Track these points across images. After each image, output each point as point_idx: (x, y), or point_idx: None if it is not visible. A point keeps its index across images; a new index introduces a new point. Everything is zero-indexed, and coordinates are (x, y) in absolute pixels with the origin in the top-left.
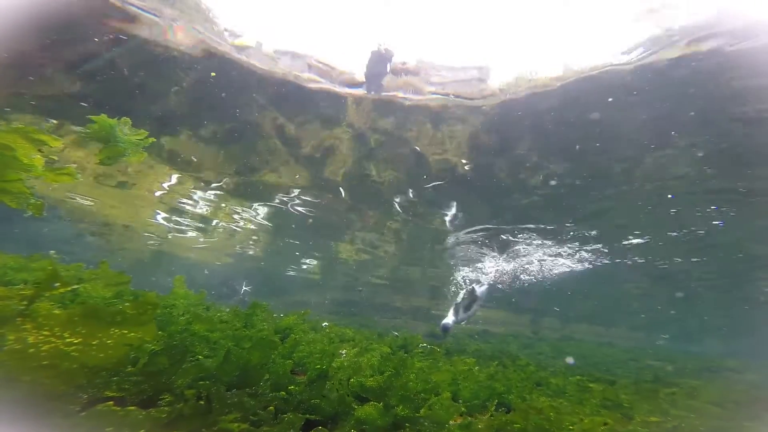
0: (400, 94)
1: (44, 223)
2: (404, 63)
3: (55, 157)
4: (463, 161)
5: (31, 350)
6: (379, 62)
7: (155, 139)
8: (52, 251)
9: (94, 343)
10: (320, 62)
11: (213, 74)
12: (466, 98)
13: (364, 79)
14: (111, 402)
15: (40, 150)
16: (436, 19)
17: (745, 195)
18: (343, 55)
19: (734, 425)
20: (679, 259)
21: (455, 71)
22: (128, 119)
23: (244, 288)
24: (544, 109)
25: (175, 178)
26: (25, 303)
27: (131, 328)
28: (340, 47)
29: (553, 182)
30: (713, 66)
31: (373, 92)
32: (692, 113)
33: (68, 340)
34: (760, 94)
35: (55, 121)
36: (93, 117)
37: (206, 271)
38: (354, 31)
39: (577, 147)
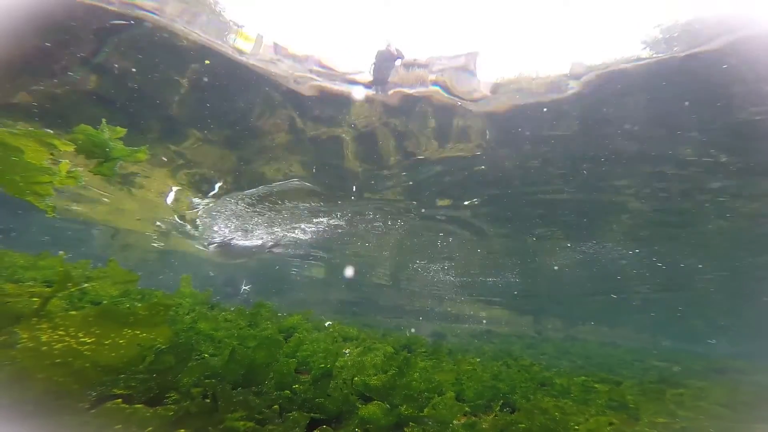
0: (407, 90)
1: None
2: (415, 60)
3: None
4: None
5: (44, 348)
6: (388, 62)
7: (146, 146)
8: (61, 251)
9: (107, 342)
10: (323, 65)
11: (207, 62)
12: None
13: (370, 79)
14: (119, 399)
15: (51, 154)
16: (435, 15)
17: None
18: (346, 54)
19: (745, 427)
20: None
21: (451, 59)
22: (104, 120)
23: (244, 287)
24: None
25: (175, 181)
26: (37, 301)
27: (144, 329)
28: (341, 46)
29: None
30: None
31: (380, 92)
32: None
33: (82, 339)
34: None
35: (51, 132)
36: (75, 128)
37: (211, 273)
38: (355, 29)
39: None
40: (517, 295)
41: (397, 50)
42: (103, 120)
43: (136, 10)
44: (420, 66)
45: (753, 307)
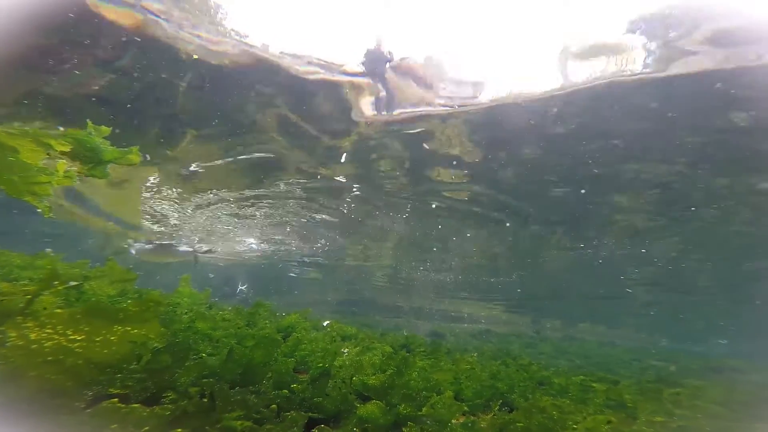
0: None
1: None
2: (404, 58)
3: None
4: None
5: (34, 346)
6: (380, 62)
7: (138, 147)
8: (48, 249)
9: (97, 339)
10: (321, 60)
11: (195, 56)
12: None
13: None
14: (116, 399)
15: (48, 154)
16: (438, 22)
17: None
18: (345, 55)
19: (742, 426)
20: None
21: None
22: (89, 121)
23: (240, 287)
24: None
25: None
26: (27, 299)
27: (134, 326)
28: (341, 49)
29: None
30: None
31: (379, 84)
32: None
33: (71, 337)
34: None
35: (62, 129)
36: (65, 132)
37: (211, 275)
38: (354, 32)
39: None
40: (517, 294)
41: (389, 52)
42: (89, 122)
43: (149, 14)
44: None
45: (750, 307)
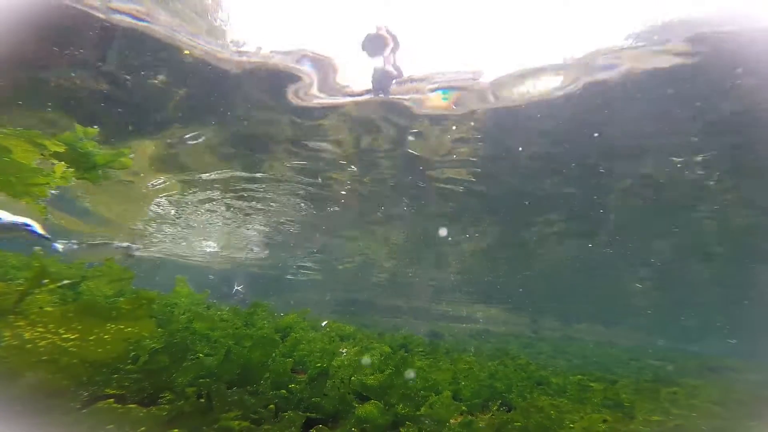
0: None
1: None
2: (410, 76)
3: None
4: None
5: (29, 346)
6: (387, 80)
7: (129, 149)
8: (36, 248)
9: (91, 338)
10: (320, 54)
11: (187, 52)
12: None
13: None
14: (111, 399)
15: (42, 154)
16: (434, 20)
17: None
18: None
19: (738, 425)
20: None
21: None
22: (77, 126)
23: (236, 287)
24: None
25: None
26: (16, 298)
27: (128, 323)
28: (337, 46)
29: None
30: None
31: (381, 94)
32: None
33: (65, 335)
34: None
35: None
36: (57, 137)
37: (211, 276)
38: (351, 30)
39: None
40: (514, 294)
41: (396, 68)
42: (77, 126)
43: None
44: (418, 81)
45: (746, 306)
